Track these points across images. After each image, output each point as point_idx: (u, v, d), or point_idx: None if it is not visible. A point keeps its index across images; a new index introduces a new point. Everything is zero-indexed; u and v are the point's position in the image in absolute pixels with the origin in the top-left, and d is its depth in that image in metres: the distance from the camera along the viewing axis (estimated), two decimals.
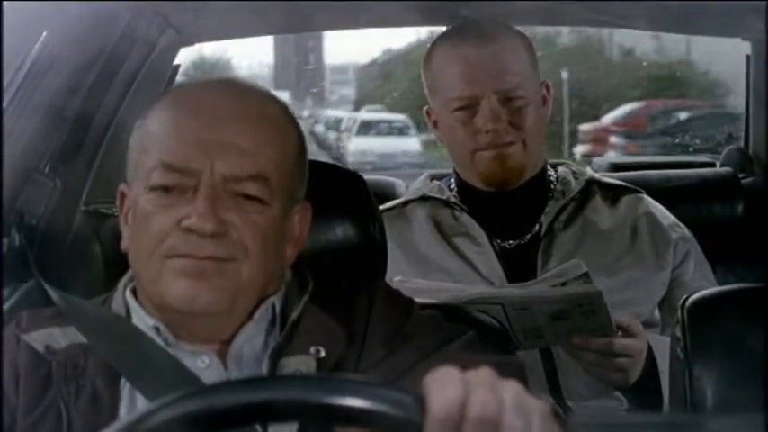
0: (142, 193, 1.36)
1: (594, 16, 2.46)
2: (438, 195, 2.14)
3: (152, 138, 1.37)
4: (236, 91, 1.43)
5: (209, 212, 1.31)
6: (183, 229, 1.32)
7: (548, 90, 2.13)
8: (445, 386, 0.99)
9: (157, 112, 1.39)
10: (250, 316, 1.39)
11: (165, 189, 1.34)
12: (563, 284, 1.94)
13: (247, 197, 1.34)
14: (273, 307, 1.40)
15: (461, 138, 2.07)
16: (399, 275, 1.90)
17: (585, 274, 1.93)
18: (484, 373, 1.02)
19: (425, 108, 2.16)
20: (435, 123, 2.13)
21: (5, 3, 1.51)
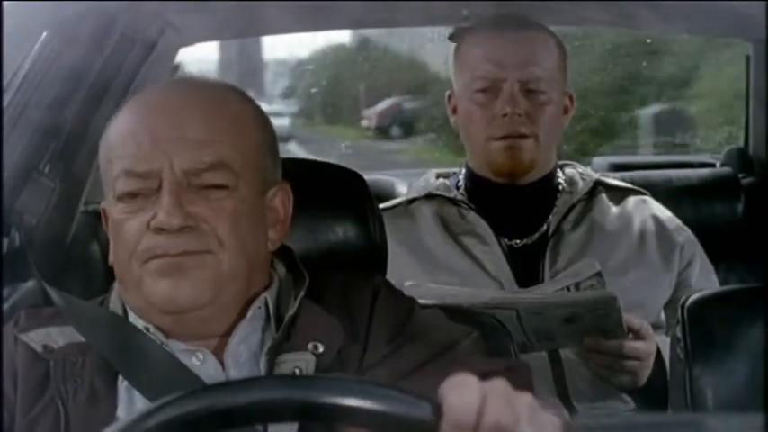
0: (113, 204, 1.37)
1: (594, 16, 2.46)
2: (444, 193, 2.14)
3: (112, 149, 1.38)
4: (186, 86, 1.45)
5: (174, 208, 1.31)
6: (153, 229, 1.32)
7: (571, 101, 2.14)
8: (462, 392, 1.00)
9: (114, 123, 1.40)
10: (243, 314, 1.38)
11: (131, 195, 1.35)
12: (576, 285, 1.94)
13: (212, 187, 1.34)
14: (267, 304, 1.40)
15: (478, 122, 2.07)
16: (403, 273, 1.89)
17: (599, 274, 1.93)
18: (500, 383, 1.03)
19: (447, 93, 2.17)
20: (455, 109, 2.14)
21: (5, 3, 1.51)
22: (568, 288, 1.94)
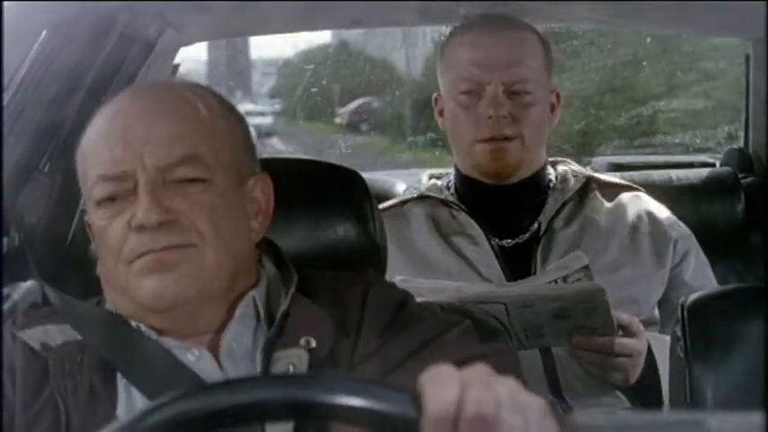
0: (94, 212, 1.38)
1: (593, 15, 2.46)
2: (436, 195, 2.15)
3: (86, 158, 1.40)
4: (152, 89, 1.48)
5: (152, 204, 1.33)
6: (134, 229, 1.34)
7: (558, 99, 2.14)
8: (441, 384, 0.99)
9: (86, 133, 1.42)
10: (231, 311, 1.39)
11: (109, 199, 1.36)
12: (564, 278, 1.94)
13: (187, 181, 1.36)
14: (255, 302, 1.40)
15: (463, 124, 2.08)
16: (398, 274, 1.90)
17: (586, 267, 1.94)
18: (480, 370, 1.02)
19: (434, 95, 2.17)
20: (441, 111, 2.15)
21: (5, 3, 1.51)
22: (556, 281, 1.94)
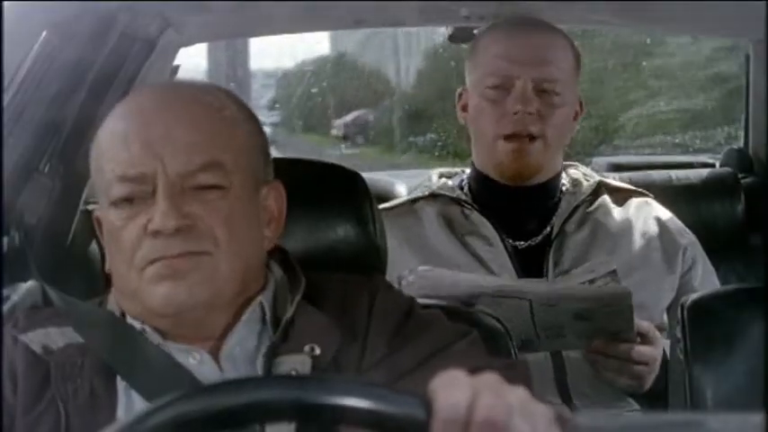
0: (108, 210, 1.37)
1: (594, 16, 2.46)
2: (448, 193, 2.13)
3: (102, 155, 1.38)
4: (172, 89, 1.46)
5: (171, 209, 1.31)
6: (150, 233, 1.32)
7: (580, 107, 2.13)
8: (452, 390, 1.00)
9: (103, 129, 1.40)
10: (238, 315, 1.38)
11: (127, 200, 1.35)
12: (591, 281, 1.94)
13: (206, 187, 1.34)
14: (262, 307, 1.40)
15: (487, 119, 2.06)
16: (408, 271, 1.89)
17: (614, 272, 1.93)
18: (491, 378, 1.03)
19: (459, 89, 2.16)
20: (464, 106, 2.13)
21: (5, 3, 1.51)
22: (583, 284, 1.94)
